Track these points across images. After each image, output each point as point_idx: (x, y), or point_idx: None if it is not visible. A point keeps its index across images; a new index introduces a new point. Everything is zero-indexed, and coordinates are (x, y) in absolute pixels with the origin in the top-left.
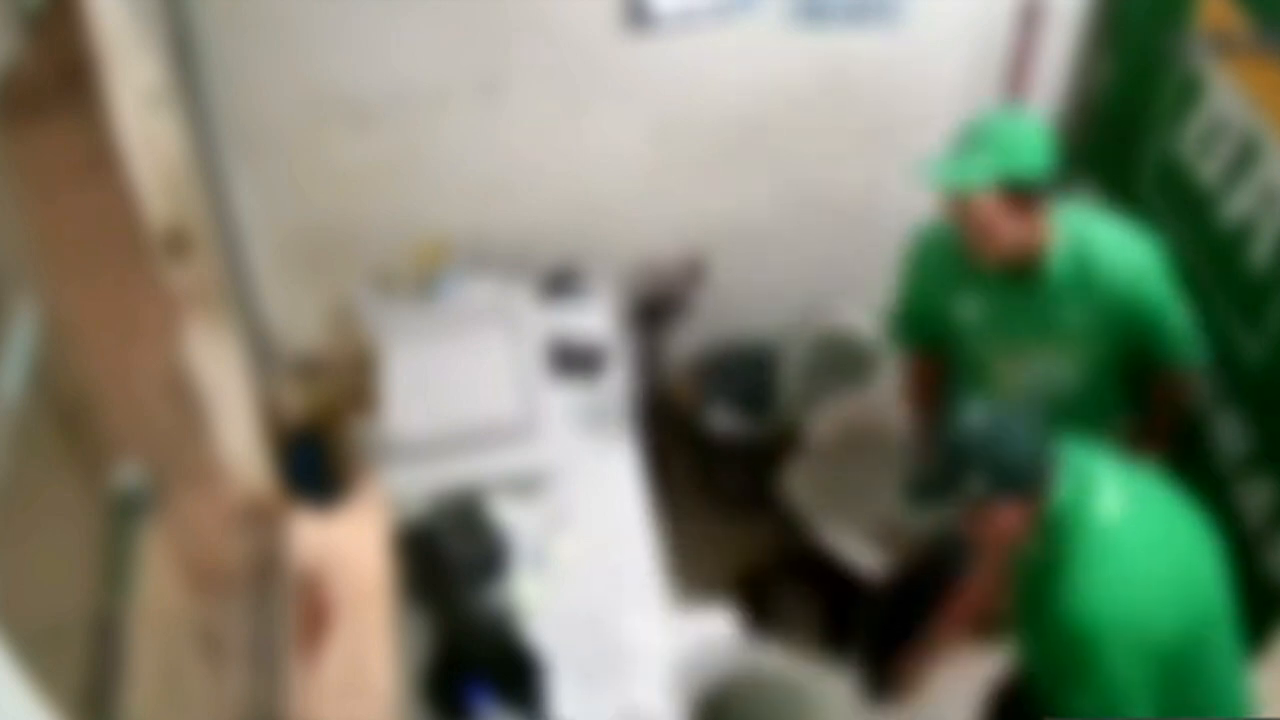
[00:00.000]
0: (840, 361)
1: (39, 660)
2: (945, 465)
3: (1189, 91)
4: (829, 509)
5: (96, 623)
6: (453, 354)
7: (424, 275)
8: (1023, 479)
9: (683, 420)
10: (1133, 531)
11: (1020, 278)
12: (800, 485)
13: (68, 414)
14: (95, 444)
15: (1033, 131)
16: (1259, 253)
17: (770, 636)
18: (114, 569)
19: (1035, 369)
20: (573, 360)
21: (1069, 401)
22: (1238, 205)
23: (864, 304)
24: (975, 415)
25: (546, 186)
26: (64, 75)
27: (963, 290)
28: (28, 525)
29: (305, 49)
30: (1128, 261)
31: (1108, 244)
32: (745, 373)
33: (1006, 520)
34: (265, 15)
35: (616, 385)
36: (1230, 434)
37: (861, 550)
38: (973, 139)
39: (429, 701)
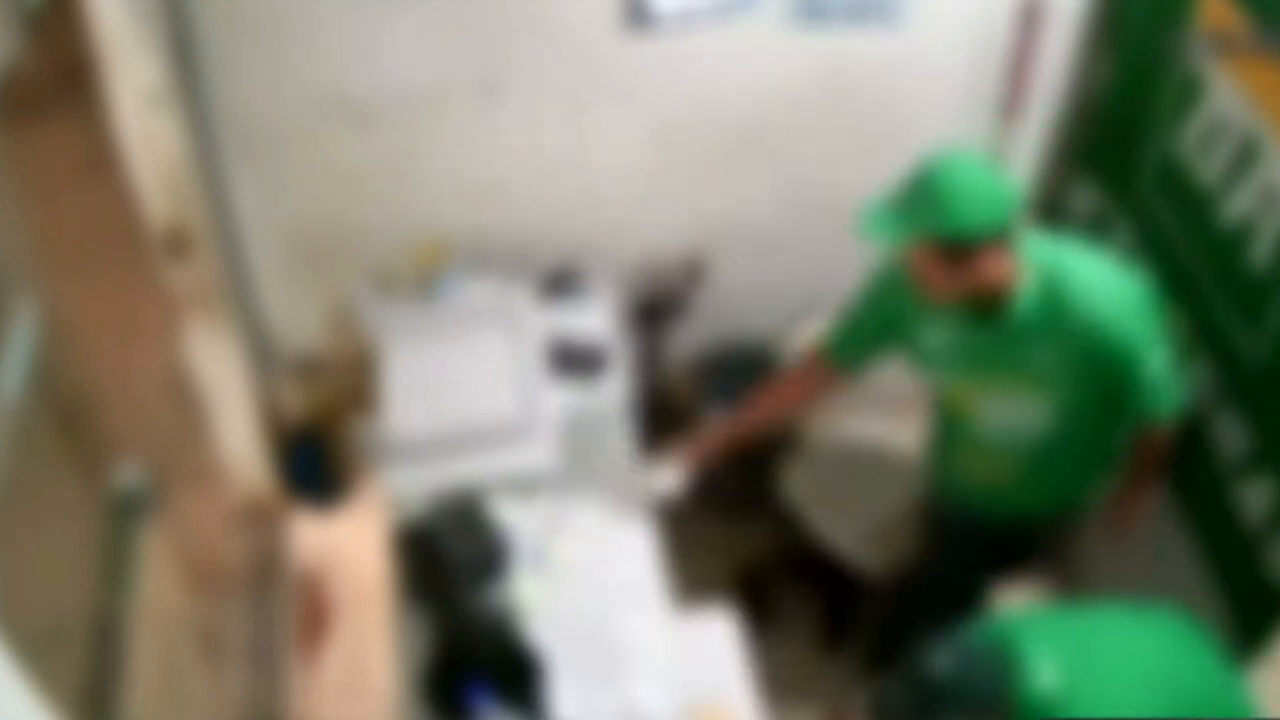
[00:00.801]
0: None
1: (39, 660)
2: (919, 705)
3: (1189, 91)
4: (828, 508)
5: (96, 623)
6: (453, 354)
7: (424, 275)
8: (996, 705)
9: (681, 420)
10: (1076, 696)
11: (985, 315)
12: (799, 485)
13: (68, 414)
14: (95, 444)
15: (974, 187)
16: (1259, 253)
17: (770, 636)
18: (114, 569)
19: (1001, 411)
20: (573, 360)
21: (1043, 449)
22: (1238, 205)
23: None
24: (940, 657)
25: (546, 186)
26: (64, 75)
27: (929, 318)
28: (28, 525)
29: (305, 49)
30: (1103, 303)
31: (1083, 283)
32: (745, 373)
33: None
34: (265, 15)
35: (617, 385)
36: (1230, 434)
37: (861, 549)
38: (909, 192)
39: (429, 701)
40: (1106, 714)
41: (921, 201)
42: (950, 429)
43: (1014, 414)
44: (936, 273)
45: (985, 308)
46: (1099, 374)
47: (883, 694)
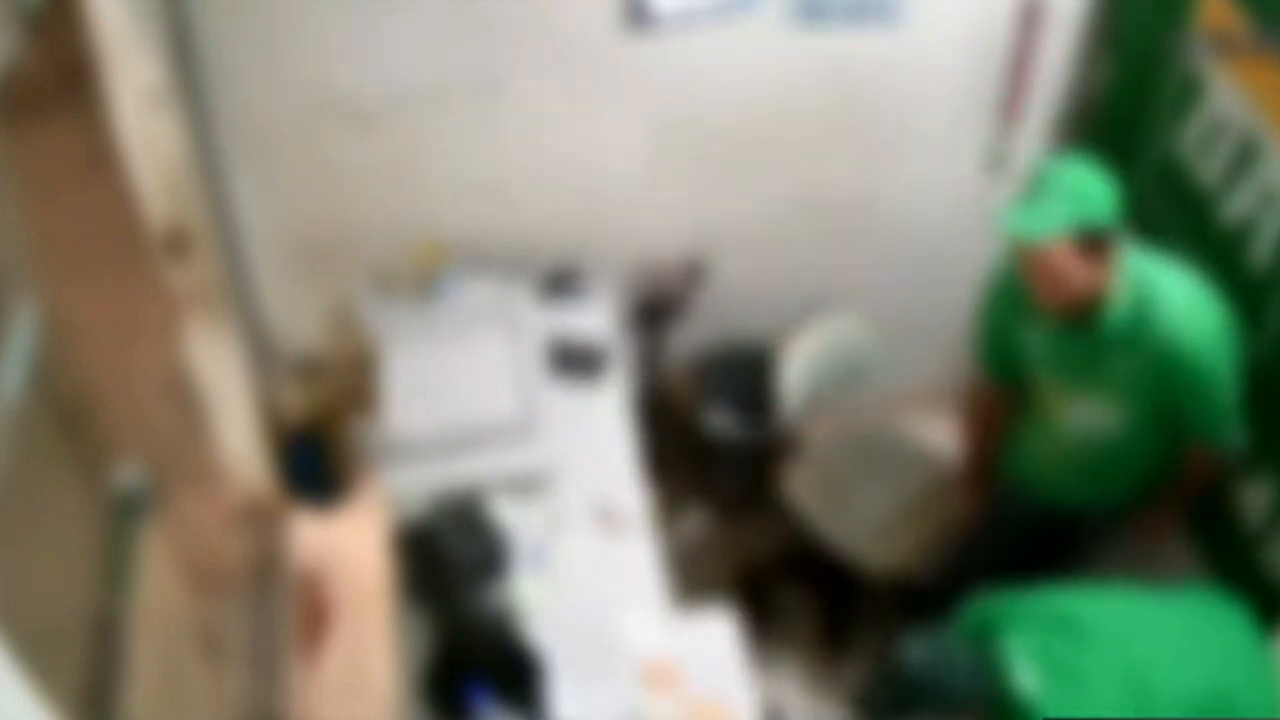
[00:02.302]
0: (840, 362)
1: (39, 660)
2: (893, 699)
3: (1189, 91)
4: (831, 509)
5: (96, 623)
6: (453, 354)
7: (424, 275)
8: (970, 704)
9: (681, 421)
10: (1054, 701)
11: (1077, 323)
12: (802, 486)
13: (68, 414)
14: (95, 444)
15: (1101, 179)
16: (1259, 253)
17: (770, 636)
18: (114, 569)
19: (1082, 411)
20: (573, 360)
21: (1109, 451)
22: (1238, 205)
23: (863, 304)
24: (916, 651)
25: (546, 187)
26: (64, 75)
27: (1028, 326)
28: (28, 525)
29: (305, 49)
30: (1186, 325)
31: (1171, 302)
32: (744, 374)
33: None
34: (265, 15)
35: (616, 385)
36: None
37: (864, 550)
38: (1043, 187)
39: (429, 701)
40: (1085, 714)
41: (1064, 194)
42: (1038, 431)
43: (1094, 418)
44: (1073, 268)
45: (1081, 315)
46: (1170, 390)
47: (863, 687)
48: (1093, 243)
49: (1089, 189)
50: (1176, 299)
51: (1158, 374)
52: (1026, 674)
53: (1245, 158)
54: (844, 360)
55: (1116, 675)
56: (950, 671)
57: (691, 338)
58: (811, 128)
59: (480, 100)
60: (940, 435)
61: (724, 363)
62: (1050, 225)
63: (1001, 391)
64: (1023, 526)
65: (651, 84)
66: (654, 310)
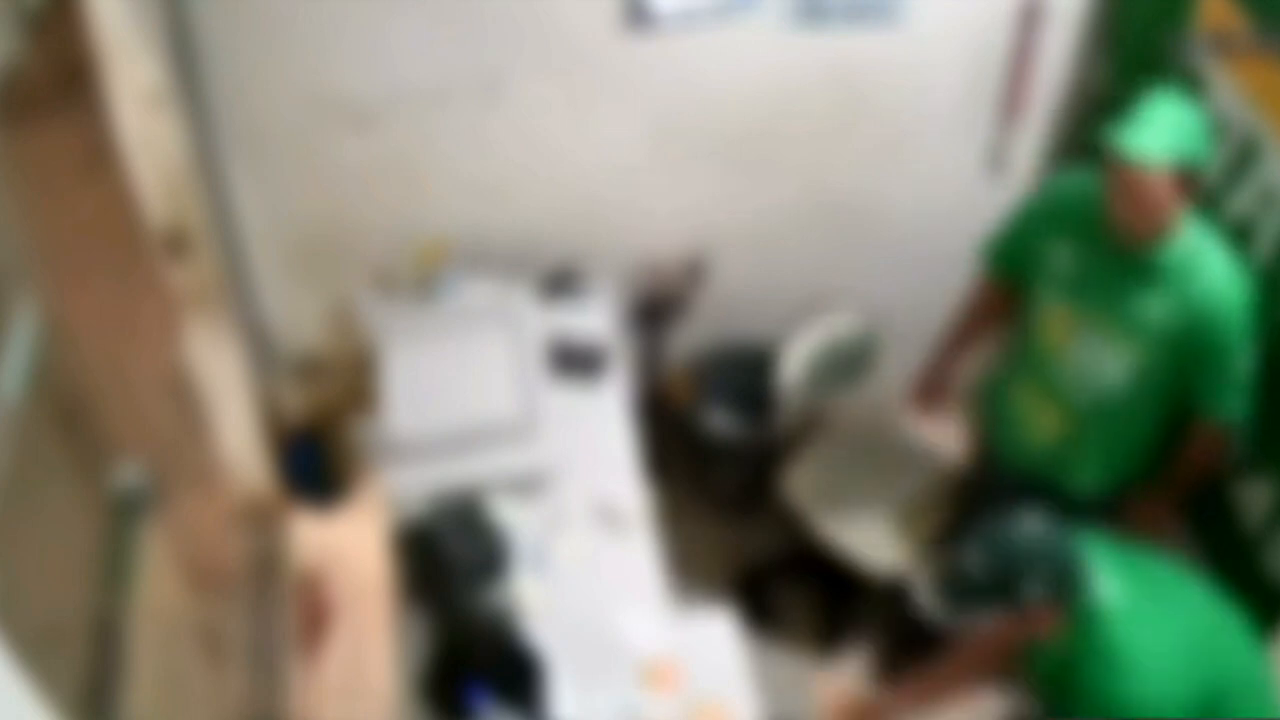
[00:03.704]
0: (840, 362)
1: (39, 660)
2: (1001, 571)
3: (1189, 91)
4: (834, 509)
5: (96, 623)
6: (453, 354)
7: (424, 275)
8: (1071, 582)
9: (680, 421)
10: (1135, 614)
11: (1131, 254)
12: (804, 486)
13: (68, 414)
14: (95, 444)
15: (1205, 126)
16: (1259, 253)
17: (770, 635)
18: (114, 569)
19: (1088, 348)
20: (573, 360)
21: (1104, 410)
22: (1238, 205)
23: (863, 304)
24: (1031, 521)
25: (546, 186)
26: (64, 75)
27: (1068, 240)
28: (28, 525)
29: (305, 49)
30: (1225, 288)
31: (1217, 264)
32: (744, 374)
33: (1043, 623)
34: (265, 15)
35: (616, 385)
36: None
37: (868, 549)
38: (1159, 116)
39: (429, 702)
40: (1155, 647)
41: (1179, 131)
42: (1026, 367)
43: (1097, 359)
44: (1169, 200)
45: (1139, 244)
46: (1188, 347)
47: (954, 564)
48: (1184, 179)
49: (1197, 130)
50: (1221, 263)
51: (1182, 325)
52: (1108, 584)
53: (1245, 157)
54: (844, 360)
55: (1189, 615)
56: (1057, 549)
57: (691, 338)
58: (811, 128)
59: (480, 100)
60: (940, 435)
61: (724, 362)
62: (1164, 150)
63: (998, 292)
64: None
65: (651, 84)
66: (654, 310)
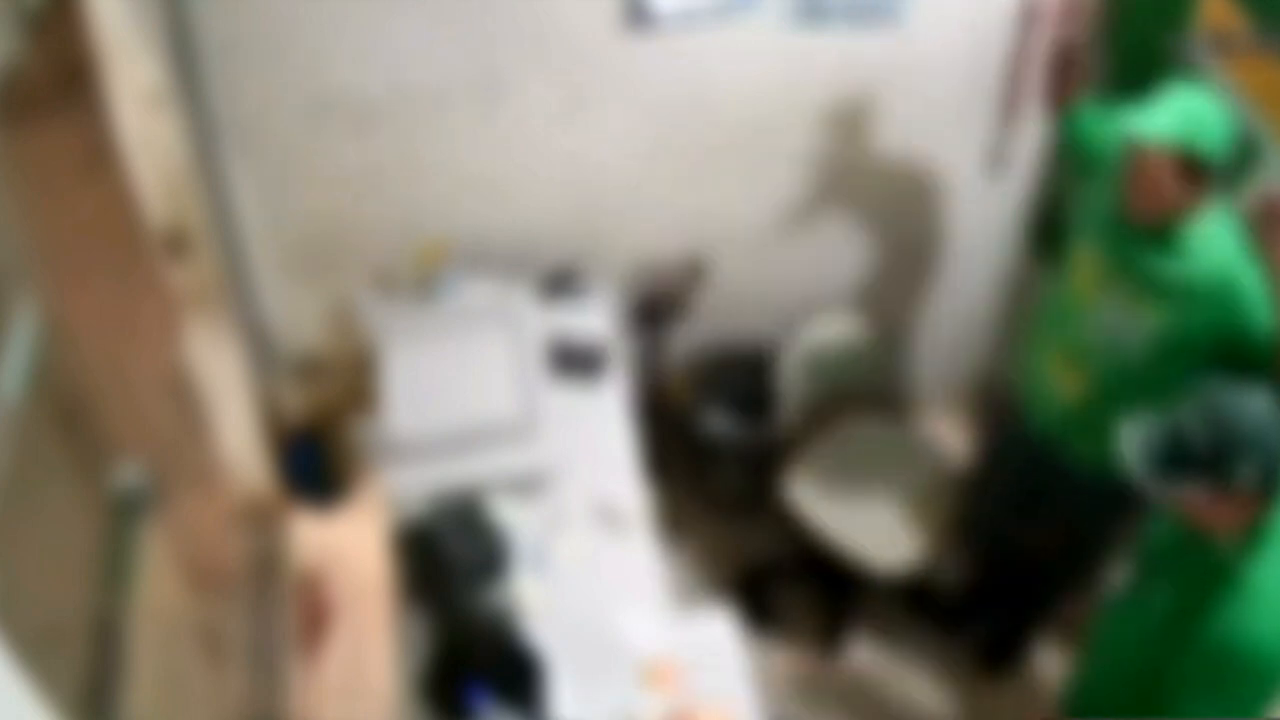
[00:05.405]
0: (840, 362)
1: (39, 660)
2: (1222, 444)
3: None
4: (837, 509)
5: (96, 623)
6: (453, 354)
7: (424, 275)
8: (1268, 479)
9: (680, 421)
10: None
11: (1148, 229)
12: (807, 486)
13: (68, 414)
14: (95, 444)
15: (1220, 116)
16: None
17: (770, 635)
18: (114, 569)
19: (1113, 306)
20: (573, 360)
21: (1129, 371)
22: (1237, 205)
23: (863, 304)
24: (1259, 400)
25: (546, 186)
26: (64, 75)
27: (1108, 182)
28: (28, 525)
29: (305, 49)
30: (1248, 276)
31: (1241, 259)
32: (743, 374)
33: (1233, 515)
34: (265, 15)
35: (616, 385)
36: None
37: (871, 549)
38: (1170, 99)
39: (429, 701)
40: None
41: (1182, 116)
42: (1056, 323)
43: (1122, 318)
44: (1168, 183)
45: (1154, 227)
46: (1207, 323)
47: (1175, 428)
48: (1191, 167)
49: (1208, 120)
50: (1244, 260)
51: (1204, 294)
52: None
53: (1245, 157)
54: (844, 360)
55: None
56: (1277, 443)
57: (691, 338)
58: (811, 127)
59: (480, 100)
60: (944, 435)
61: (723, 363)
62: (1165, 130)
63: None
64: (1025, 477)
65: (651, 84)
66: (653, 310)
